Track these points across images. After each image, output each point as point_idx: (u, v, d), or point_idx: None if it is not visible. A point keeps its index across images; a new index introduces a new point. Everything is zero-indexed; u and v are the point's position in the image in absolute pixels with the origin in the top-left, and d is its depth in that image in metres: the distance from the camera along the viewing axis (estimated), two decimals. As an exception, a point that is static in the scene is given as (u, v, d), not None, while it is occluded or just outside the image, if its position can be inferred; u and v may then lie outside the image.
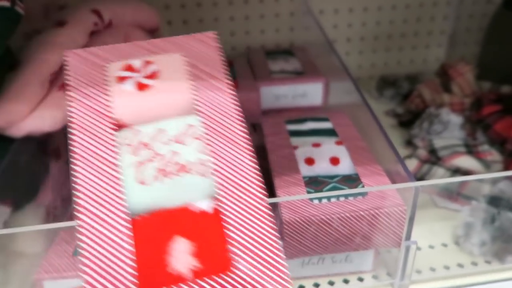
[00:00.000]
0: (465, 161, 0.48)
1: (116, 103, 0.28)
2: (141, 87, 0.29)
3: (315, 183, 0.38)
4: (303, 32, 0.66)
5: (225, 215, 0.25)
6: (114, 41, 0.45)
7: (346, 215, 0.34)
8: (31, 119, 0.37)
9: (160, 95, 0.29)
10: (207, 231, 0.25)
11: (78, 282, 0.35)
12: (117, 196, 0.25)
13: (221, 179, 0.26)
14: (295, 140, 0.43)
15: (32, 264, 0.36)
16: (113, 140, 0.27)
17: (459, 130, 0.52)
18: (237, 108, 0.28)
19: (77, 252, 0.36)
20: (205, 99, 0.29)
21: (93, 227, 0.24)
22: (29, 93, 0.37)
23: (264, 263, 0.24)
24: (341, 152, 0.41)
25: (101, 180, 0.25)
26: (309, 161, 0.40)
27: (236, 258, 0.24)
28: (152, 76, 0.29)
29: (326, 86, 0.53)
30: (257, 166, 0.26)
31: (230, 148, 0.27)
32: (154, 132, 0.27)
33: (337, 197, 0.35)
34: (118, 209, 0.24)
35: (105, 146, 0.26)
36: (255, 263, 0.24)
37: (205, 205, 0.26)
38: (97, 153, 0.26)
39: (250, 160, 0.27)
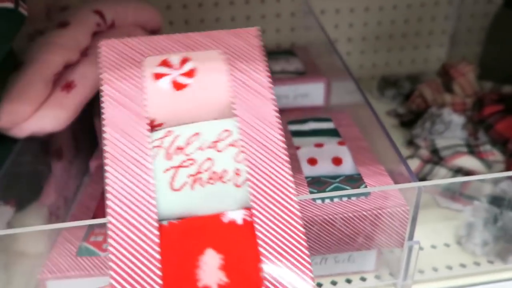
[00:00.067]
0: (467, 161, 0.48)
1: (151, 101, 0.26)
2: (178, 86, 0.27)
3: (317, 183, 0.38)
4: (304, 32, 0.66)
5: (257, 229, 0.24)
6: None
7: (349, 215, 0.34)
8: (34, 120, 0.38)
9: (196, 95, 0.27)
10: (238, 244, 0.24)
11: (82, 282, 0.35)
12: (148, 202, 0.24)
13: (255, 190, 0.25)
14: (297, 141, 0.43)
15: (35, 264, 0.36)
16: (147, 141, 0.25)
17: (461, 130, 0.52)
18: (276, 115, 0.27)
19: (80, 252, 0.36)
20: (244, 103, 0.27)
21: (122, 231, 0.23)
22: (32, 94, 0.37)
23: (295, 284, 0.23)
24: (344, 153, 0.41)
25: (133, 183, 0.24)
26: (312, 162, 0.40)
27: (267, 276, 0.23)
28: (189, 74, 0.28)
29: (328, 86, 0.53)
30: (292, 179, 0.25)
31: (266, 158, 0.25)
32: (189, 135, 0.26)
33: (340, 197, 0.35)
34: (149, 215, 0.24)
35: (139, 148, 0.25)
36: (285, 282, 0.23)
37: (237, 216, 0.25)
38: (130, 155, 0.25)
39: (286, 172, 0.25)
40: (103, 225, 0.38)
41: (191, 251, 0.23)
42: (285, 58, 0.59)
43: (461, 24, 0.70)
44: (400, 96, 0.64)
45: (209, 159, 0.25)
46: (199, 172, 0.25)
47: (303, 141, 0.43)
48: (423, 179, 0.48)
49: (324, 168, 0.40)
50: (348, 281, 0.38)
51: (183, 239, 0.24)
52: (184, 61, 0.28)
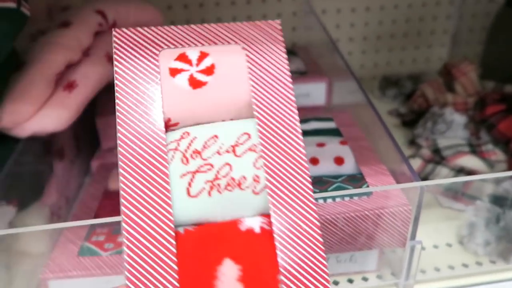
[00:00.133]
0: (469, 160, 0.48)
1: (167, 99, 0.25)
2: (195, 83, 0.25)
3: (319, 183, 0.38)
4: (305, 32, 0.66)
5: (276, 239, 0.23)
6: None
7: (351, 215, 0.34)
8: (36, 120, 0.38)
9: (214, 94, 0.25)
10: (255, 254, 0.23)
11: (83, 282, 0.35)
12: (165, 209, 0.23)
13: (274, 198, 0.24)
14: (299, 140, 0.43)
15: (37, 264, 0.36)
16: (163, 144, 0.24)
17: (462, 130, 0.52)
18: (297, 118, 0.25)
19: (82, 252, 0.36)
20: (264, 104, 0.25)
21: (137, 239, 0.22)
22: (34, 94, 0.37)
23: None
24: (346, 152, 0.41)
25: (149, 189, 0.23)
26: (314, 161, 0.40)
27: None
28: (207, 71, 0.26)
29: (329, 86, 0.53)
30: (311, 187, 0.24)
31: (286, 164, 0.24)
32: (206, 138, 0.25)
33: (342, 197, 0.35)
34: (165, 223, 0.23)
35: (154, 151, 0.24)
36: None
37: (255, 224, 0.24)
38: (146, 158, 0.23)
39: (306, 180, 0.24)
40: (105, 225, 0.39)
41: (209, 261, 0.23)
42: (287, 58, 0.59)
43: (463, 23, 0.70)
44: (401, 95, 0.64)
45: (227, 164, 0.24)
46: (216, 178, 0.24)
47: (305, 141, 0.43)
48: (425, 178, 0.47)
49: (326, 167, 0.40)
50: (350, 281, 0.38)
51: (200, 248, 0.23)
52: (203, 56, 0.26)
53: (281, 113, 0.25)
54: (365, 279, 0.38)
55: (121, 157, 0.23)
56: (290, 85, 0.26)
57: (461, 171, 0.47)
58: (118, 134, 0.23)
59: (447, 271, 0.39)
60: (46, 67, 0.38)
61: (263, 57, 0.26)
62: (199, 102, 0.25)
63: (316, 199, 0.35)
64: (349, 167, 0.40)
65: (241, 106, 0.26)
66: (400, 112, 0.61)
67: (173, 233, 0.22)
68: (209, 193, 0.24)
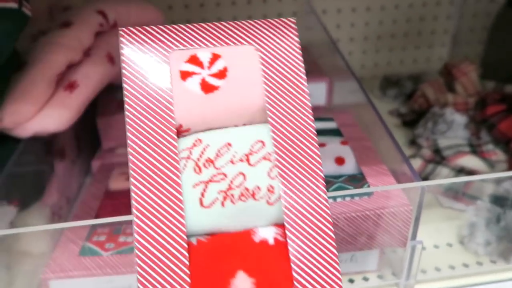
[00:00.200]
0: (470, 160, 0.48)
1: (178, 104, 0.24)
2: (207, 88, 0.24)
3: (320, 183, 0.38)
4: (306, 32, 0.66)
5: (290, 251, 0.23)
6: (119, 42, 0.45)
7: (352, 215, 0.34)
8: (37, 120, 0.38)
9: (227, 99, 0.24)
10: (269, 266, 0.22)
11: (84, 282, 0.35)
12: (177, 220, 0.22)
13: (288, 209, 0.23)
14: (299, 140, 0.43)
15: (38, 264, 0.36)
16: (175, 152, 0.23)
17: (463, 130, 0.52)
18: (312, 125, 0.24)
19: (83, 252, 0.36)
20: (278, 109, 0.24)
21: (149, 250, 0.22)
22: (35, 94, 0.37)
23: None
24: (346, 152, 0.41)
25: (161, 199, 0.22)
26: (314, 161, 0.40)
27: None
28: (219, 75, 0.24)
29: (330, 86, 0.53)
30: (326, 197, 0.23)
31: (301, 174, 0.23)
32: (220, 146, 0.24)
33: (343, 197, 0.35)
34: (178, 235, 0.22)
35: (166, 160, 0.23)
36: None
37: (269, 235, 0.23)
38: (157, 167, 0.22)
39: (321, 190, 0.23)
40: (106, 225, 0.39)
41: (222, 274, 0.22)
42: (287, 58, 0.59)
43: (463, 23, 0.70)
44: (402, 95, 0.64)
45: (241, 173, 0.23)
46: (230, 188, 0.23)
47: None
48: (425, 178, 0.48)
49: (327, 167, 0.40)
50: (351, 281, 0.38)
51: (213, 259, 0.22)
52: (215, 58, 0.25)
53: (296, 119, 0.24)
54: (365, 279, 0.38)
55: (132, 165, 0.22)
56: (306, 90, 0.25)
57: (462, 171, 0.47)
58: (129, 142, 0.23)
59: (447, 271, 0.39)
60: (47, 67, 0.38)
61: (277, 59, 0.25)
62: (211, 107, 0.24)
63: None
64: (349, 167, 0.40)
65: (254, 110, 0.25)
66: (401, 112, 0.61)
67: (185, 245, 0.22)
68: (223, 204, 0.23)
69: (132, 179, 0.22)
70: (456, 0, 0.68)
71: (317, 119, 0.47)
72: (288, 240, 0.22)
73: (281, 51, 0.25)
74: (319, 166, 0.24)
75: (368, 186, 0.37)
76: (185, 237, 0.22)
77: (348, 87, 0.48)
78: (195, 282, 0.22)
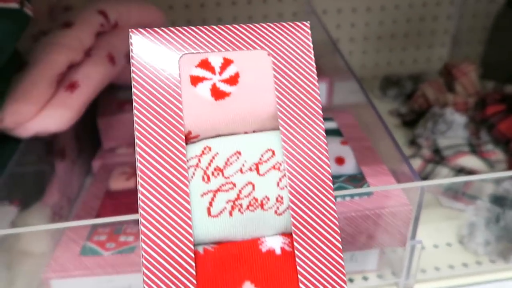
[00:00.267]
0: (469, 160, 0.48)
1: (188, 111, 0.23)
2: (218, 94, 0.24)
3: (320, 182, 0.38)
4: (306, 32, 0.66)
5: (298, 263, 0.22)
6: (120, 42, 0.45)
7: (352, 215, 0.34)
8: (38, 120, 0.38)
9: (238, 106, 0.24)
10: (276, 277, 0.22)
11: (85, 282, 0.35)
12: (184, 229, 0.22)
13: (297, 220, 0.23)
14: (299, 140, 0.43)
15: (39, 264, 0.36)
16: (183, 160, 0.23)
17: (463, 130, 0.52)
18: (323, 133, 0.24)
19: (84, 252, 0.36)
20: (289, 117, 0.24)
21: (156, 260, 0.21)
22: (36, 94, 0.38)
23: None
24: (346, 152, 0.41)
25: (169, 208, 0.22)
26: (314, 161, 0.40)
27: None
28: (231, 80, 0.24)
29: (330, 86, 0.53)
30: (335, 208, 0.23)
31: (311, 184, 0.23)
32: (229, 154, 0.23)
33: (343, 196, 0.35)
34: (185, 244, 0.22)
35: (174, 168, 0.22)
36: None
37: (276, 245, 0.23)
38: (166, 175, 0.22)
39: (330, 201, 0.23)
40: (107, 225, 0.39)
41: (229, 284, 0.22)
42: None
43: (463, 23, 0.70)
44: (402, 95, 0.64)
45: (250, 183, 0.23)
46: (238, 198, 0.23)
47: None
48: (425, 178, 0.48)
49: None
50: (351, 280, 0.38)
51: (220, 269, 0.22)
52: (226, 63, 0.24)
53: (307, 127, 0.24)
54: (365, 278, 0.39)
55: (140, 173, 0.22)
56: (318, 97, 0.24)
57: (461, 171, 0.47)
58: (137, 149, 0.22)
59: (447, 271, 0.39)
60: (48, 67, 0.38)
61: (290, 65, 0.24)
62: (222, 114, 0.24)
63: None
64: (349, 167, 0.40)
65: (265, 118, 0.24)
66: (401, 112, 0.61)
67: (192, 255, 0.22)
68: (230, 213, 0.23)
69: (140, 187, 0.22)
70: (456, 0, 0.69)
71: (317, 119, 0.47)
72: (296, 251, 0.22)
73: (294, 56, 0.24)
74: (329, 176, 0.23)
75: (368, 186, 0.37)
76: (192, 247, 0.22)
77: (348, 87, 0.48)
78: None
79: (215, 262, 0.22)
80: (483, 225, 0.40)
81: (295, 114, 0.24)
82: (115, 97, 0.52)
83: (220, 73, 0.24)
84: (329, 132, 0.44)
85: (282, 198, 0.23)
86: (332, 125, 0.46)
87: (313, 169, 0.23)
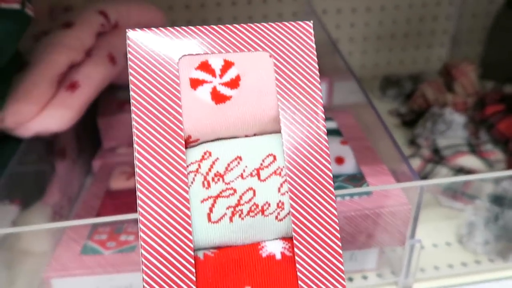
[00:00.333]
0: (468, 160, 0.48)
1: (187, 115, 0.23)
2: (218, 98, 0.23)
3: (320, 182, 0.38)
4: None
5: (298, 268, 0.22)
6: (120, 42, 0.45)
7: (352, 214, 0.34)
8: (39, 119, 0.38)
9: (239, 109, 0.23)
10: (276, 282, 0.22)
11: (86, 281, 0.35)
12: (184, 236, 0.22)
13: (297, 225, 0.23)
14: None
15: (39, 263, 0.36)
16: (183, 165, 0.22)
17: (462, 130, 0.52)
18: (326, 138, 0.23)
19: (85, 251, 0.36)
20: (291, 121, 0.23)
21: (156, 266, 0.21)
22: (37, 94, 0.38)
23: None
24: (346, 152, 0.41)
25: (168, 215, 0.22)
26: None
27: None
28: (232, 84, 0.23)
29: (330, 86, 0.53)
30: (336, 213, 0.23)
31: (312, 189, 0.23)
32: (230, 160, 0.23)
33: (343, 196, 0.35)
34: (185, 250, 0.22)
35: (174, 173, 0.22)
36: None
37: (276, 250, 0.23)
38: (165, 181, 0.22)
39: (331, 206, 0.23)
40: (107, 224, 0.39)
41: None
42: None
43: (463, 24, 0.70)
44: (401, 95, 0.64)
45: (250, 189, 0.23)
46: (239, 204, 0.23)
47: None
48: (424, 178, 0.48)
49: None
50: (350, 279, 0.39)
51: (220, 275, 0.22)
52: (227, 66, 0.23)
53: (309, 132, 0.23)
54: (365, 277, 0.39)
55: (139, 179, 0.22)
56: (320, 100, 0.24)
57: (461, 170, 0.47)
58: (136, 154, 0.22)
59: (446, 270, 0.40)
60: (49, 67, 0.38)
61: (292, 67, 0.24)
62: (222, 118, 0.23)
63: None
64: (349, 166, 0.40)
65: (266, 121, 0.24)
66: (400, 112, 0.61)
67: (193, 261, 0.21)
68: (231, 219, 0.23)
69: (139, 193, 0.21)
70: (456, 0, 0.69)
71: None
72: (296, 257, 0.22)
73: (297, 58, 0.24)
74: (330, 181, 0.23)
75: (368, 186, 0.37)
76: (192, 253, 0.22)
77: (348, 87, 0.48)
78: None
79: (215, 267, 0.22)
80: (482, 224, 0.40)
81: (297, 118, 0.23)
82: (115, 97, 0.52)
83: (221, 76, 0.23)
84: (329, 132, 0.44)
85: (283, 203, 0.23)
86: (332, 125, 0.46)
87: (314, 174, 0.23)
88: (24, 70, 0.39)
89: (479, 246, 0.40)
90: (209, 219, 0.22)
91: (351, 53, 0.70)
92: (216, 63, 0.23)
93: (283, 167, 0.23)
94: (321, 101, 0.24)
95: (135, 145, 0.22)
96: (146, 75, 0.22)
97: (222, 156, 0.23)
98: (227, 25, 0.24)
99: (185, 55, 0.23)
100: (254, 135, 0.24)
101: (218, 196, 0.22)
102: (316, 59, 0.24)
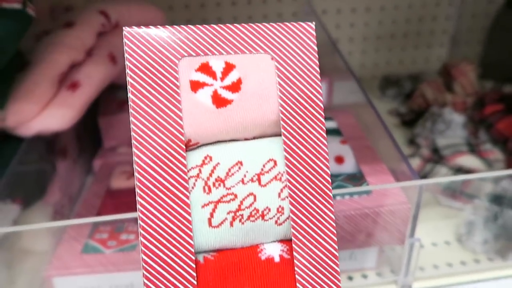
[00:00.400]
0: (468, 160, 0.48)
1: (187, 118, 0.22)
2: (219, 102, 0.23)
3: (320, 181, 0.38)
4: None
5: (296, 271, 0.23)
6: (121, 42, 0.45)
7: (351, 213, 0.34)
8: (40, 119, 0.38)
9: (240, 114, 0.23)
10: (274, 284, 0.23)
11: (87, 279, 0.36)
12: (185, 241, 0.22)
13: (296, 230, 0.23)
14: (299, 139, 0.44)
15: (40, 262, 0.36)
16: (183, 171, 0.22)
17: (461, 129, 0.53)
18: (325, 143, 0.23)
19: (86, 249, 0.36)
20: (292, 127, 0.23)
21: (157, 271, 0.21)
22: (38, 93, 0.38)
23: None
24: (346, 151, 0.41)
25: (169, 220, 0.21)
26: (314, 160, 0.41)
27: None
28: (233, 87, 0.23)
29: (330, 85, 0.53)
30: (334, 217, 0.23)
31: (311, 194, 0.23)
32: (231, 165, 0.23)
33: (342, 195, 0.35)
34: (186, 255, 0.22)
35: (174, 178, 0.22)
36: None
37: (274, 252, 0.23)
38: (165, 186, 0.21)
39: (329, 210, 0.23)
40: (108, 223, 0.39)
41: None
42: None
43: (462, 24, 0.70)
44: (401, 95, 0.64)
45: (251, 194, 0.23)
46: (239, 209, 0.23)
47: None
48: (424, 178, 0.48)
49: (326, 166, 0.40)
50: (350, 278, 0.39)
51: (220, 277, 0.22)
52: (228, 68, 0.23)
53: (309, 136, 0.23)
54: (364, 276, 0.39)
55: (138, 184, 0.21)
56: (321, 104, 0.23)
57: (460, 170, 0.47)
58: (135, 158, 0.21)
59: (445, 269, 0.40)
60: (50, 67, 0.39)
61: (294, 70, 0.23)
62: (223, 122, 0.23)
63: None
64: (349, 166, 0.40)
65: (267, 125, 0.23)
66: (400, 112, 0.61)
67: (193, 265, 0.22)
68: (231, 224, 0.23)
69: (139, 198, 0.21)
70: (455, 0, 0.69)
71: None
72: (295, 260, 0.23)
73: (298, 60, 0.23)
74: (328, 186, 0.23)
75: (367, 185, 0.37)
76: (193, 257, 0.22)
77: (347, 87, 0.48)
78: None
79: (216, 270, 0.22)
80: (481, 223, 0.41)
81: (297, 122, 0.23)
82: (116, 96, 0.52)
83: (222, 79, 0.23)
84: (328, 132, 0.45)
85: (283, 208, 0.23)
86: (331, 124, 0.46)
87: (313, 178, 0.23)
88: (25, 69, 0.39)
89: (478, 245, 0.40)
90: (210, 224, 0.22)
91: (351, 53, 0.70)
92: (217, 65, 0.23)
93: (283, 172, 0.23)
94: (321, 104, 0.23)
95: (133, 149, 0.21)
96: (145, 77, 0.22)
97: (223, 161, 0.23)
98: (228, 25, 0.23)
99: (185, 56, 0.22)
100: (254, 138, 0.24)
101: (219, 201, 0.22)
102: (317, 61, 0.24)
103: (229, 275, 0.22)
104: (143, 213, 0.21)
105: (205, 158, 0.23)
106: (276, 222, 0.23)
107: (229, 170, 0.23)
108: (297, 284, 0.22)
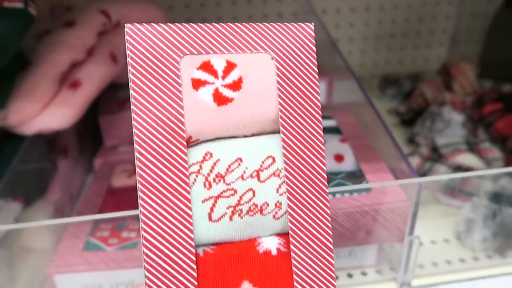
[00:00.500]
0: (467, 158, 0.48)
1: (189, 116, 0.23)
2: (220, 100, 0.23)
3: (319, 179, 0.38)
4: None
5: (293, 264, 0.23)
6: (122, 41, 0.46)
7: (351, 211, 0.34)
8: (41, 117, 0.38)
9: (240, 112, 0.24)
10: (272, 276, 0.23)
11: (88, 277, 0.36)
12: (186, 235, 0.22)
13: (294, 224, 0.23)
14: (299, 138, 0.44)
15: (42, 260, 0.36)
16: (185, 167, 0.22)
17: (460, 128, 0.53)
18: (322, 141, 0.24)
19: (87, 247, 0.36)
20: (291, 125, 0.24)
21: (158, 264, 0.22)
22: (39, 92, 0.38)
23: None
24: (345, 150, 0.41)
25: (170, 214, 0.22)
26: (314, 158, 0.41)
27: None
28: (234, 86, 0.23)
29: (330, 85, 0.54)
30: (329, 212, 0.24)
31: (308, 190, 0.24)
32: (231, 161, 0.23)
33: (342, 193, 0.35)
34: (187, 249, 0.22)
35: (176, 174, 0.22)
36: None
37: (272, 246, 0.24)
38: (167, 182, 0.22)
39: (325, 205, 0.24)
40: (109, 221, 0.39)
41: (228, 284, 0.23)
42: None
43: (461, 23, 0.71)
44: (400, 94, 0.65)
45: (250, 189, 0.24)
46: (239, 204, 0.23)
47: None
48: (423, 176, 0.48)
49: (326, 164, 0.40)
50: (350, 275, 0.39)
51: (219, 271, 0.23)
52: (229, 67, 0.23)
53: (306, 134, 0.24)
54: (364, 273, 0.39)
55: (140, 179, 0.22)
56: (319, 104, 0.24)
57: (459, 169, 0.47)
58: (137, 154, 0.22)
59: (444, 266, 0.40)
60: (51, 66, 0.39)
61: (293, 69, 0.24)
62: (223, 119, 0.23)
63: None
64: (348, 164, 0.41)
65: (266, 123, 0.24)
66: (399, 111, 0.62)
67: (194, 258, 0.22)
68: (231, 218, 0.23)
69: (141, 194, 0.22)
70: (454, 0, 0.69)
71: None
72: (292, 253, 0.23)
73: (297, 60, 0.24)
74: (324, 182, 0.24)
75: (367, 183, 0.37)
76: (194, 251, 0.22)
77: (347, 86, 0.49)
78: None
79: (215, 263, 0.23)
80: (480, 221, 0.41)
81: (295, 121, 0.24)
82: (117, 95, 0.52)
83: (223, 78, 0.23)
84: (328, 130, 0.45)
85: (280, 203, 0.24)
86: (331, 123, 0.46)
87: (310, 175, 0.24)
88: (27, 69, 0.39)
89: (477, 243, 0.40)
90: (210, 218, 0.23)
91: (351, 53, 0.71)
92: (219, 64, 0.23)
93: (282, 168, 0.24)
94: (319, 104, 0.24)
95: (135, 145, 0.22)
96: (147, 74, 0.22)
97: (223, 158, 0.23)
98: (229, 24, 0.24)
99: (187, 54, 0.23)
100: (253, 135, 0.25)
101: (219, 196, 0.23)
102: (316, 61, 0.24)
103: (228, 268, 0.23)
104: (145, 208, 0.22)
105: (206, 154, 0.23)
106: (274, 216, 0.24)
107: (229, 166, 0.23)
108: (294, 276, 0.23)
